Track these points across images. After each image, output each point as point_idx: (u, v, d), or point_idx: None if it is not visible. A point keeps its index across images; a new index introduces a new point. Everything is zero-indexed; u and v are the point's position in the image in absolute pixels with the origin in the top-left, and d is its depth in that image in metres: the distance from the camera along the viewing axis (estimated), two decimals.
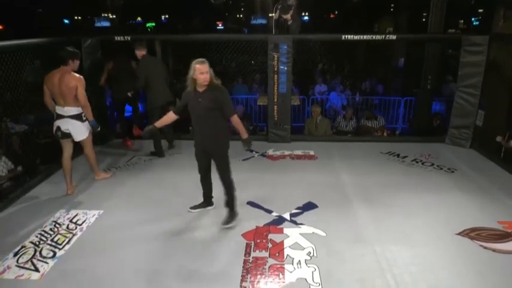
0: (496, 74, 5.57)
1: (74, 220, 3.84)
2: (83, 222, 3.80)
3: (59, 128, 4.24)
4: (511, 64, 5.64)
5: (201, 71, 3.38)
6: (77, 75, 4.21)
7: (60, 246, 3.42)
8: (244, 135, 3.66)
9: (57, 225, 3.74)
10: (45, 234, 3.59)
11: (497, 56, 5.60)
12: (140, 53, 5.28)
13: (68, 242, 3.48)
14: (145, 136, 4.01)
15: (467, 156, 5.54)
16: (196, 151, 3.76)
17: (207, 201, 4.04)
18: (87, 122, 4.35)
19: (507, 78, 5.62)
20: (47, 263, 3.20)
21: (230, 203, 3.75)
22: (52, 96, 4.24)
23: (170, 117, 3.79)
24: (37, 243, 3.46)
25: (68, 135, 4.28)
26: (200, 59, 3.42)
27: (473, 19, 17.98)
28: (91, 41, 5.73)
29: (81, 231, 3.67)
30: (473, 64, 5.59)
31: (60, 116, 4.22)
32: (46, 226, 3.73)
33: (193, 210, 4.00)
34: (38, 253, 3.32)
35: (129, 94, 5.57)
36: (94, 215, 3.94)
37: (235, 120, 3.57)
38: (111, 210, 4.04)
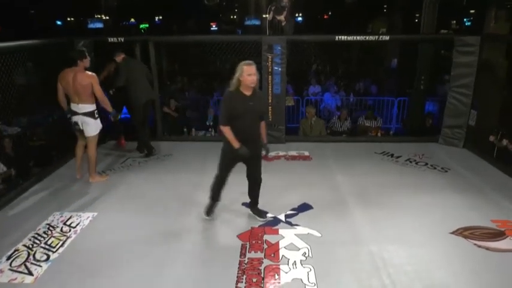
0: (488, 74, 5.62)
1: (68, 223, 3.81)
2: (77, 225, 3.77)
3: (76, 123, 4.53)
4: (503, 64, 5.71)
5: (248, 73, 3.31)
6: (89, 73, 4.39)
7: (54, 249, 3.39)
8: (266, 140, 3.73)
9: (50, 228, 3.71)
10: (39, 237, 3.56)
11: (489, 57, 5.66)
12: (119, 57, 5.41)
13: (61, 245, 3.45)
14: None
15: (460, 156, 5.58)
16: (234, 155, 3.48)
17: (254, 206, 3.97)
18: (99, 120, 4.57)
19: (499, 78, 5.68)
20: (41, 266, 3.17)
21: (257, 199, 3.89)
22: (66, 94, 4.45)
23: (228, 130, 3.43)
24: (30, 246, 3.43)
25: (82, 131, 4.56)
26: (248, 61, 3.36)
27: (465, 20, 18.14)
28: (84, 43, 5.69)
29: (75, 233, 3.64)
30: (465, 64, 5.64)
31: (75, 113, 4.47)
32: (39, 229, 3.70)
33: (208, 217, 3.86)
34: (31, 256, 3.29)
35: (110, 92, 5.65)
36: (88, 217, 3.91)
37: (264, 124, 3.66)
38: (105, 213, 4.01)
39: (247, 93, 3.39)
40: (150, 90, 5.61)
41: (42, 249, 3.38)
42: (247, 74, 3.31)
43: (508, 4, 5.67)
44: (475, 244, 3.41)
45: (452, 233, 3.59)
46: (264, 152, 3.71)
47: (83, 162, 4.80)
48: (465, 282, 2.95)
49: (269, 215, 3.93)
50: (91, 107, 4.45)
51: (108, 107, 4.57)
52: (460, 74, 5.71)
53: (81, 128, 4.50)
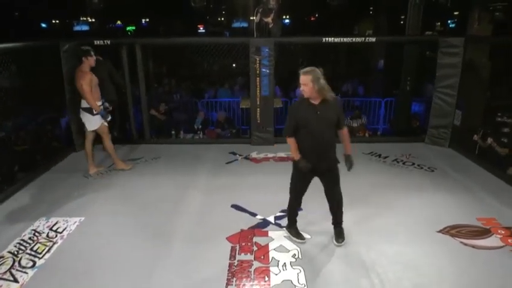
0: (472, 74, 5.72)
1: (54, 228, 3.75)
2: (63, 230, 3.72)
3: (81, 118, 4.89)
4: (486, 65, 5.81)
5: (301, 83, 3.10)
6: (84, 72, 4.64)
7: (40, 255, 3.33)
8: (349, 151, 3.34)
9: (36, 234, 3.65)
10: (24, 244, 3.50)
11: (473, 57, 5.76)
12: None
13: (48, 251, 3.40)
14: None
15: (446, 155, 5.66)
16: (299, 169, 3.28)
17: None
18: (98, 116, 4.77)
19: (482, 79, 5.79)
20: (26, 273, 3.11)
21: (341, 217, 3.50)
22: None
23: (292, 141, 3.27)
24: (16, 252, 3.36)
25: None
26: (305, 69, 3.13)
27: (449, 21, 18.41)
28: (69, 45, 5.61)
29: (61, 239, 3.58)
30: (450, 65, 5.73)
31: (80, 108, 4.82)
32: (25, 235, 3.63)
33: (302, 240, 3.53)
34: (16, 263, 3.23)
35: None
36: (75, 222, 3.86)
37: (346, 133, 3.31)
38: (92, 217, 3.96)
39: (315, 102, 3.16)
40: (111, 91, 5.61)
41: (27, 256, 3.32)
42: (302, 83, 3.11)
43: (491, 6, 5.77)
44: (461, 242, 3.46)
45: (439, 231, 3.64)
46: (347, 166, 3.30)
47: (95, 155, 5.18)
48: (452, 279, 2.99)
49: (258, 216, 3.93)
50: (88, 103, 4.71)
51: (95, 107, 4.71)
52: (445, 74, 5.80)
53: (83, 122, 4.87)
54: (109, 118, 4.92)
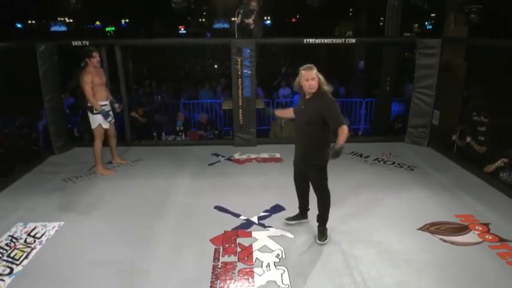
0: (449, 75, 5.87)
1: (32, 233, 3.66)
2: (42, 235, 3.63)
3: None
4: (462, 65, 5.97)
5: (306, 78, 3.19)
6: (86, 71, 4.75)
7: (18, 262, 3.24)
8: (339, 142, 3.08)
9: (13, 240, 3.55)
10: (1, 250, 3.39)
11: (450, 58, 5.91)
12: None
13: (26, 257, 3.31)
14: None
15: (425, 154, 5.78)
16: (294, 160, 3.59)
17: (303, 213, 3.79)
18: (99, 116, 4.88)
19: (459, 79, 5.93)
20: (3, 280, 3.02)
21: (324, 216, 3.50)
22: None
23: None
24: None
25: None
26: (307, 65, 3.24)
27: (426, 23, 18.81)
28: (46, 46, 5.48)
29: (40, 244, 3.49)
30: (427, 66, 5.86)
31: None
32: (1, 241, 3.52)
33: (289, 222, 3.78)
34: None
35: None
36: (54, 227, 3.77)
37: (342, 129, 3.12)
38: (73, 221, 3.88)
39: (307, 96, 3.31)
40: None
41: (4, 263, 3.23)
42: (304, 79, 3.20)
43: (466, 8, 5.93)
44: (441, 239, 3.54)
45: (420, 229, 3.71)
46: (331, 156, 3.08)
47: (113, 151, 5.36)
48: (432, 276, 3.05)
49: (242, 217, 3.93)
50: (89, 103, 4.86)
51: (96, 106, 4.84)
52: (423, 75, 5.92)
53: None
54: (110, 118, 4.98)
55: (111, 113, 5.02)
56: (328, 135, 3.29)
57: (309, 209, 3.78)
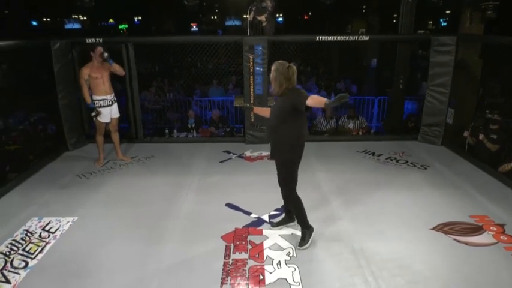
0: (464, 72, 5.77)
1: (47, 228, 3.72)
2: (56, 230, 3.68)
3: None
4: (478, 63, 5.86)
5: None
6: (85, 66, 4.94)
7: (33, 256, 3.30)
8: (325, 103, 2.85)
9: (28, 234, 3.61)
10: (16, 244, 3.46)
11: (465, 56, 5.81)
12: None
13: (40, 251, 3.37)
14: None
15: (439, 153, 5.70)
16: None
17: (289, 215, 3.69)
18: (100, 109, 5.04)
19: (474, 77, 5.83)
20: (19, 273, 3.08)
21: (297, 217, 3.48)
22: None
23: None
24: (7, 253, 3.33)
25: None
26: (276, 62, 3.20)
27: (441, 20, 18.55)
28: (60, 44, 5.56)
29: (54, 239, 3.55)
30: (442, 64, 5.77)
31: None
32: (17, 235, 3.59)
33: (275, 228, 3.68)
34: (8, 264, 3.19)
35: None
36: (68, 222, 3.83)
37: (313, 100, 2.94)
38: (86, 217, 3.93)
39: (278, 95, 3.25)
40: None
41: (20, 256, 3.29)
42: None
43: (482, 5, 5.82)
44: (454, 239, 3.49)
45: (433, 228, 3.66)
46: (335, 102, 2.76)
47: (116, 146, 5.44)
48: (445, 276, 3.01)
49: (253, 215, 3.93)
50: (92, 97, 5.05)
51: (86, 99, 5.05)
52: (437, 73, 5.83)
53: None
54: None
55: (113, 107, 5.14)
56: (293, 133, 3.20)
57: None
